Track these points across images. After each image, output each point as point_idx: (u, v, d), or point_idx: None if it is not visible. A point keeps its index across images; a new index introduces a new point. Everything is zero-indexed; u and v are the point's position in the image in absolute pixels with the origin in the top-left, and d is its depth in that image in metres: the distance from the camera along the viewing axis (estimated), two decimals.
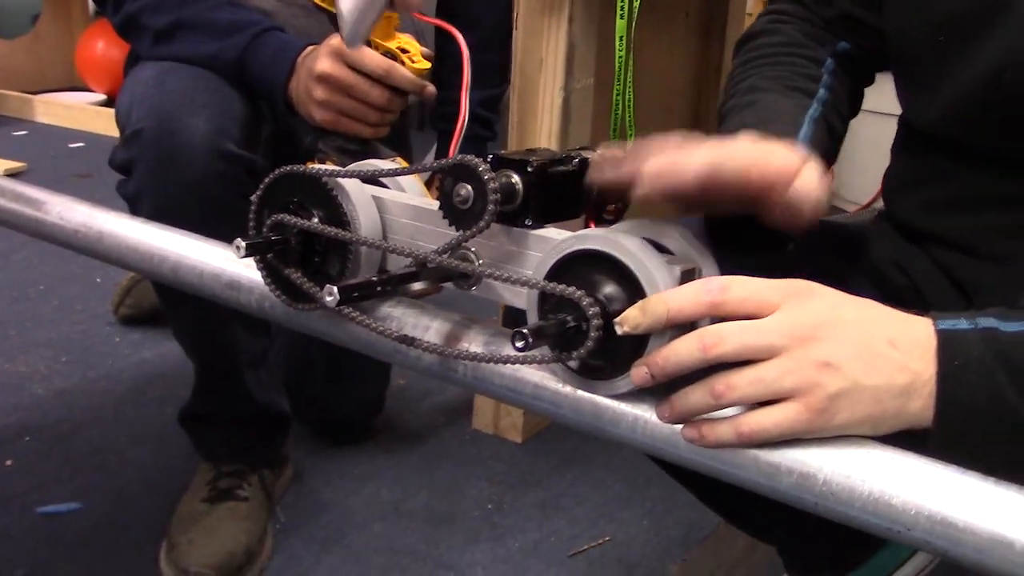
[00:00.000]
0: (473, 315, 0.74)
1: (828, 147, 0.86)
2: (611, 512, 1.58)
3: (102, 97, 4.07)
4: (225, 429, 1.45)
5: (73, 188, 2.63)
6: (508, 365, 0.67)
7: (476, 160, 0.66)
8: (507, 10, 1.54)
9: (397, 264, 0.73)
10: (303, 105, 1.18)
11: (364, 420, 1.73)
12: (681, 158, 0.65)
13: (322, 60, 1.14)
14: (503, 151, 0.71)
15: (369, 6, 0.75)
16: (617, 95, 1.49)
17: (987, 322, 0.60)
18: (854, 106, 0.96)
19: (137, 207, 1.17)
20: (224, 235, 0.81)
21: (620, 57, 1.45)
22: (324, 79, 1.13)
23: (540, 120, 1.61)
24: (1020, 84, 0.73)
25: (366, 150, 1.16)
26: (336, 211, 0.74)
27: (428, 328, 0.73)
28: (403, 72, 1.13)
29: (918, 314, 0.62)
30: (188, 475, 1.49)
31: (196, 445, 1.49)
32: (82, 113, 3.81)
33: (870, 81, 0.99)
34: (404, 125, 1.60)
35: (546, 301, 0.64)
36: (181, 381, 1.52)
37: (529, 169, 0.68)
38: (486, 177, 0.65)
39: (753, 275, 0.61)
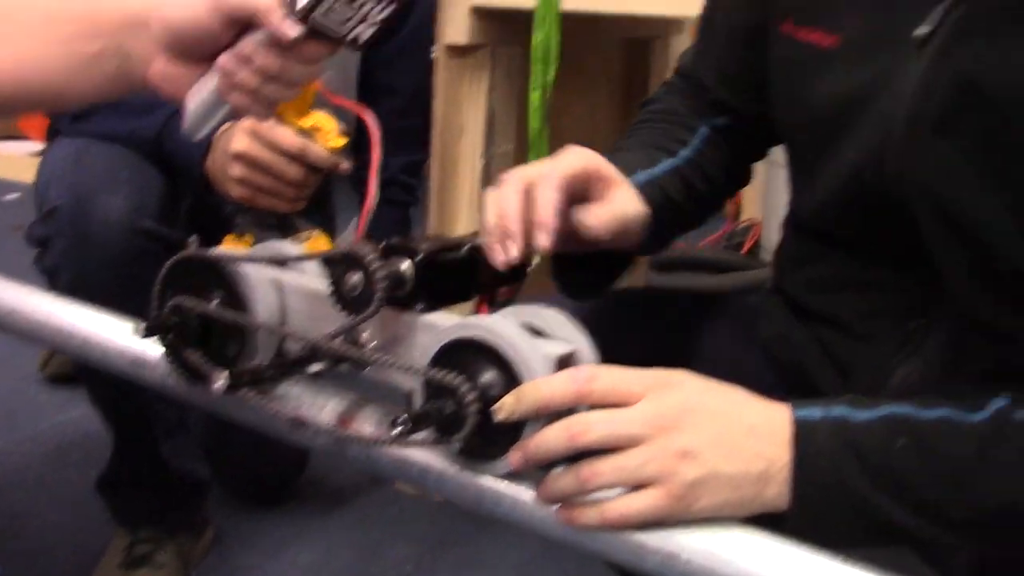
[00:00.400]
0: (368, 394, 0.77)
1: (679, 202, 0.91)
2: (529, 571, 1.60)
3: (40, 147, 4.05)
4: (142, 496, 1.45)
5: (8, 241, 2.60)
6: (394, 447, 0.70)
7: (365, 249, 0.69)
8: (427, 76, 1.58)
9: (296, 345, 0.75)
10: (220, 182, 1.21)
11: (286, 482, 1.73)
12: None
13: (238, 138, 1.16)
14: (395, 239, 0.74)
15: (210, 110, 0.79)
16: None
17: (839, 411, 0.64)
18: (736, 175, 1.02)
19: (55, 281, 1.19)
20: (143, 310, 0.83)
21: (534, 128, 1.50)
22: (240, 157, 1.16)
23: (461, 186, 1.65)
24: (877, 183, 0.78)
25: (283, 225, 1.19)
26: (236, 294, 0.76)
27: (324, 407, 0.75)
28: (317, 150, 1.16)
29: (786, 398, 0.67)
30: (108, 540, 1.49)
31: (113, 511, 1.48)
32: (18, 163, 3.78)
33: (759, 154, 1.04)
34: (328, 193, 1.63)
35: (430, 385, 0.67)
36: (105, 443, 1.52)
37: (419, 257, 0.71)
38: (373, 267, 0.68)
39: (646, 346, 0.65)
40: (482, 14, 1.53)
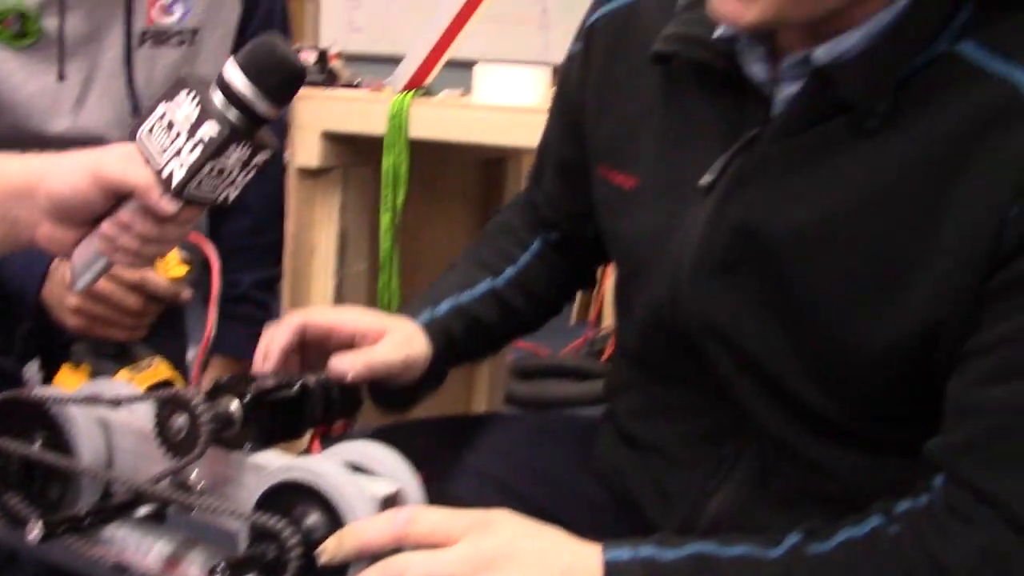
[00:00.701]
0: (201, 533, 0.76)
1: (489, 324, 1.00)
2: None
3: None
4: None
5: None
6: None
7: (190, 393, 0.69)
8: (279, 192, 1.59)
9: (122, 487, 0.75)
10: (56, 311, 1.19)
11: None
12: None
13: None
14: (224, 378, 0.74)
15: (95, 269, 0.83)
16: (383, 286, 1.55)
17: (647, 551, 0.68)
18: (574, 282, 1.10)
19: None
20: None
21: (385, 249, 1.53)
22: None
23: (313, 305, 1.65)
24: (673, 320, 0.84)
25: (121, 354, 1.17)
26: (60, 435, 0.75)
27: (149, 551, 0.74)
28: (157, 280, 1.15)
29: (619, 524, 0.70)
30: None
31: None
32: None
33: (599, 260, 1.10)
34: (179, 310, 1.61)
35: (254, 529, 0.67)
36: None
37: (247, 397, 0.72)
38: (199, 410, 0.69)
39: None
40: (333, 138, 1.57)
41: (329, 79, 2.96)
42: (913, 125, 0.73)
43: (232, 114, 0.75)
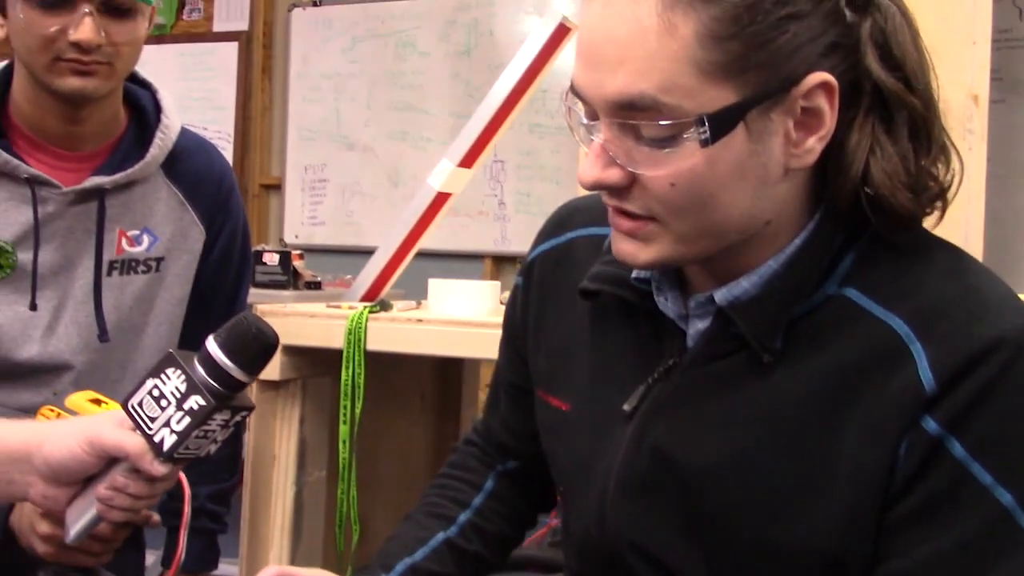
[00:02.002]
0: None
1: (452, 570, 1.03)
2: None
3: None
4: None
5: None
6: None
7: None
8: None
9: None
10: (26, 537, 1.20)
11: None
12: None
13: None
14: None
15: (90, 523, 0.91)
16: (342, 494, 1.59)
17: None
18: (529, 513, 1.13)
19: None
20: None
21: (344, 459, 1.57)
22: (48, 514, 1.17)
23: (273, 512, 1.68)
24: (601, 537, 0.89)
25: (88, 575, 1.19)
26: None
27: None
28: None
29: None
30: None
31: None
32: None
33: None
34: (139, 527, 1.63)
35: None
36: None
37: None
38: None
39: None
40: (293, 351, 1.63)
41: (292, 279, 3.07)
42: (806, 361, 0.80)
43: (215, 387, 0.85)
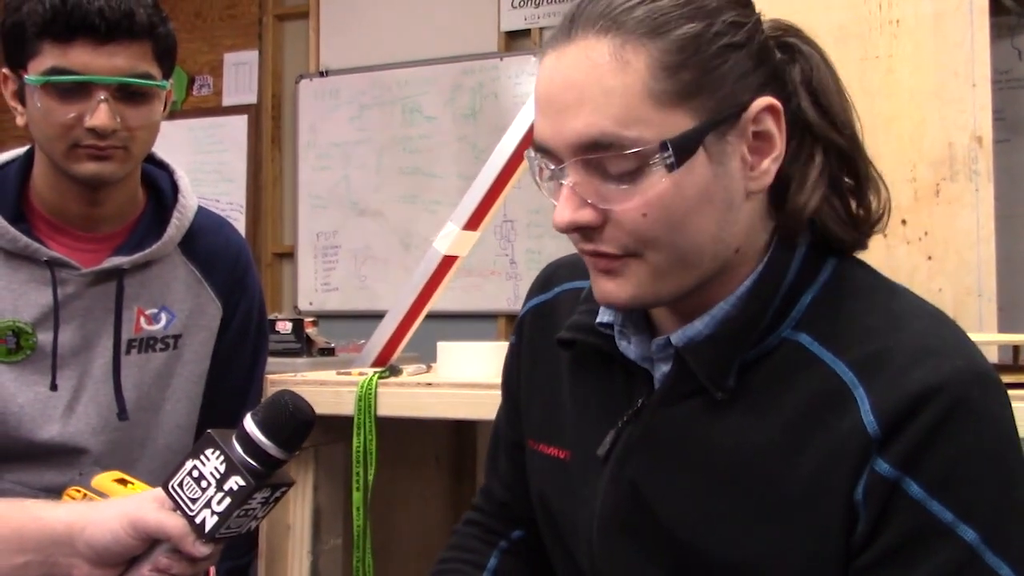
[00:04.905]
0: None
1: None
2: None
3: None
4: None
5: None
6: None
7: None
8: None
9: None
10: None
11: None
12: None
13: None
14: None
15: None
16: (357, 562, 1.58)
17: None
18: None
19: None
20: None
21: (358, 526, 1.56)
22: None
23: None
24: (607, 528, 0.90)
25: None
26: None
27: None
28: None
29: None
30: None
31: None
32: None
33: None
34: None
35: None
36: None
37: None
38: None
39: None
40: None
41: (306, 346, 3.08)
42: (761, 405, 0.83)
43: (254, 466, 0.85)
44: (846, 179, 0.88)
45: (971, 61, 1.83)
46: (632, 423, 0.90)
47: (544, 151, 0.83)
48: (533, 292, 1.08)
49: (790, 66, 0.85)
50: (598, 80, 0.78)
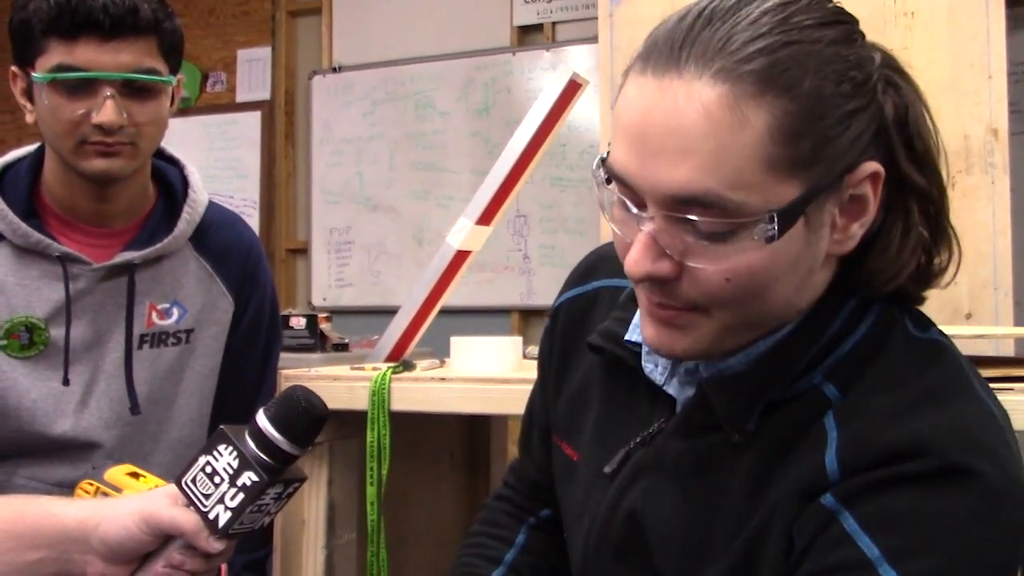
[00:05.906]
0: None
1: None
2: None
3: None
4: None
5: None
6: None
7: None
8: None
9: None
10: None
11: None
12: None
13: None
14: None
15: None
16: (371, 556, 1.58)
17: None
18: (559, 566, 1.10)
19: None
20: None
21: (372, 521, 1.57)
22: None
23: (305, 575, 1.68)
24: (599, 547, 0.89)
25: None
26: None
27: None
28: None
29: None
30: None
31: None
32: None
33: None
34: None
35: None
36: None
37: None
38: None
39: None
40: None
41: (320, 342, 3.08)
42: (776, 451, 0.78)
43: (267, 461, 0.85)
44: (923, 231, 0.80)
45: (987, 53, 1.82)
46: (645, 445, 0.87)
47: (625, 184, 0.75)
48: (571, 283, 1.03)
49: (885, 104, 0.77)
50: (711, 134, 0.69)
